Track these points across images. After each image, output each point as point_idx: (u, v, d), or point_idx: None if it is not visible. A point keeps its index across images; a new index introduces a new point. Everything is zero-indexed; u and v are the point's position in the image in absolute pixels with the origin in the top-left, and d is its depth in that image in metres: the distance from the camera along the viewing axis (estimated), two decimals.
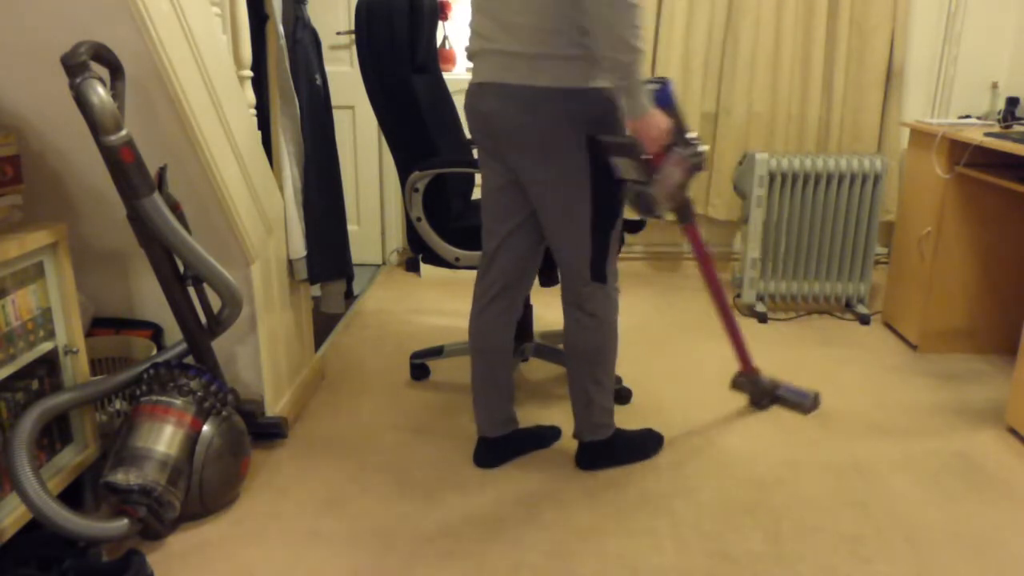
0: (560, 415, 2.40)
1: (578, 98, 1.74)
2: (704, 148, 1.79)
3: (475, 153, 2.78)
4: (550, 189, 1.83)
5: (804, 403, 2.41)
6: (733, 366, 2.77)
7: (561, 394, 2.55)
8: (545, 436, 2.23)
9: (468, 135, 2.76)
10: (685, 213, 2.01)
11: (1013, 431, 2.32)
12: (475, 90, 1.86)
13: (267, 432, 2.20)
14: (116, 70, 1.61)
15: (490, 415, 2.09)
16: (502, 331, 2.03)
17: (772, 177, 3.10)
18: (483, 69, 1.82)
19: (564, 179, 1.81)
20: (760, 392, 2.44)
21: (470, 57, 1.88)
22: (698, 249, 2.15)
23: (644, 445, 2.18)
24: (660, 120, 1.69)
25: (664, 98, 1.71)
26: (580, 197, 1.83)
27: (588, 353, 1.98)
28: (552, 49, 1.71)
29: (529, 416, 2.39)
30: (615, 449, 2.11)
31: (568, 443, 2.23)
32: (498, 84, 1.78)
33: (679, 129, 1.75)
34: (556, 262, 1.95)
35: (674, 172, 1.75)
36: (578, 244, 1.88)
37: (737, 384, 2.49)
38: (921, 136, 2.88)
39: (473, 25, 1.85)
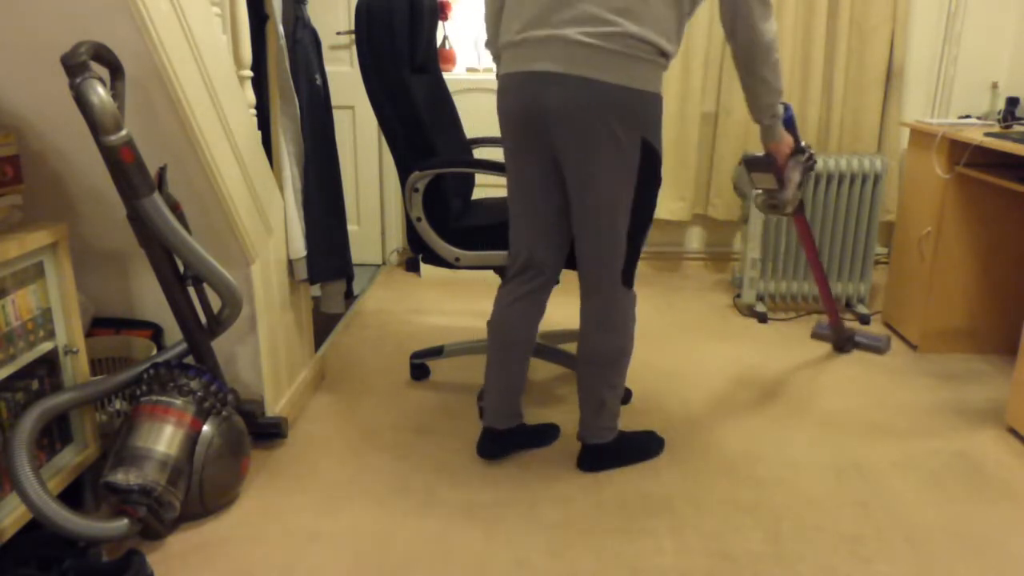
0: (560, 415, 2.40)
1: (645, 101, 1.76)
2: (813, 151, 2.23)
3: (475, 153, 2.78)
4: (599, 190, 1.82)
5: (879, 346, 2.85)
6: (733, 366, 2.77)
7: (561, 394, 2.55)
8: (547, 434, 2.24)
9: (480, 136, 2.77)
10: (800, 207, 2.49)
11: (1013, 431, 2.32)
12: (532, 79, 1.79)
13: (267, 432, 2.20)
14: (116, 70, 1.61)
15: (500, 407, 2.10)
16: (529, 325, 2.05)
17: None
18: (544, 57, 1.76)
19: (615, 181, 1.81)
20: (843, 339, 2.85)
21: (513, 44, 1.82)
22: (806, 239, 2.63)
23: (646, 447, 2.18)
24: (788, 139, 2.11)
25: (789, 121, 2.12)
26: (625, 201, 1.84)
27: (607, 357, 1.98)
28: (630, 48, 1.71)
29: (529, 415, 2.39)
30: (618, 451, 2.11)
31: (568, 443, 2.23)
32: (567, 75, 1.74)
33: (796, 140, 2.17)
34: (582, 264, 1.94)
35: (795, 175, 2.21)
36: (614, 248, 1.88)
37: (818, 334, 2.99)
38: (921, 136, 2.88)
39: (524, 11, 1.79)
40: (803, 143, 2.20)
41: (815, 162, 2.24)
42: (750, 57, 1.84)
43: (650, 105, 1.78)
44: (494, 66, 3.64)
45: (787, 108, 2.11)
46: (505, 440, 2.14)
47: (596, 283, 1.94)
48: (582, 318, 1.99)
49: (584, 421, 2.08)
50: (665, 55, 1.77)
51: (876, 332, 2.83)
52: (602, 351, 1.97)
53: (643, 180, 1.83)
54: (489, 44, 2.03)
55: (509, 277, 2.05)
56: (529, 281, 2.02)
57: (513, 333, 2.04)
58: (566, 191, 1.92)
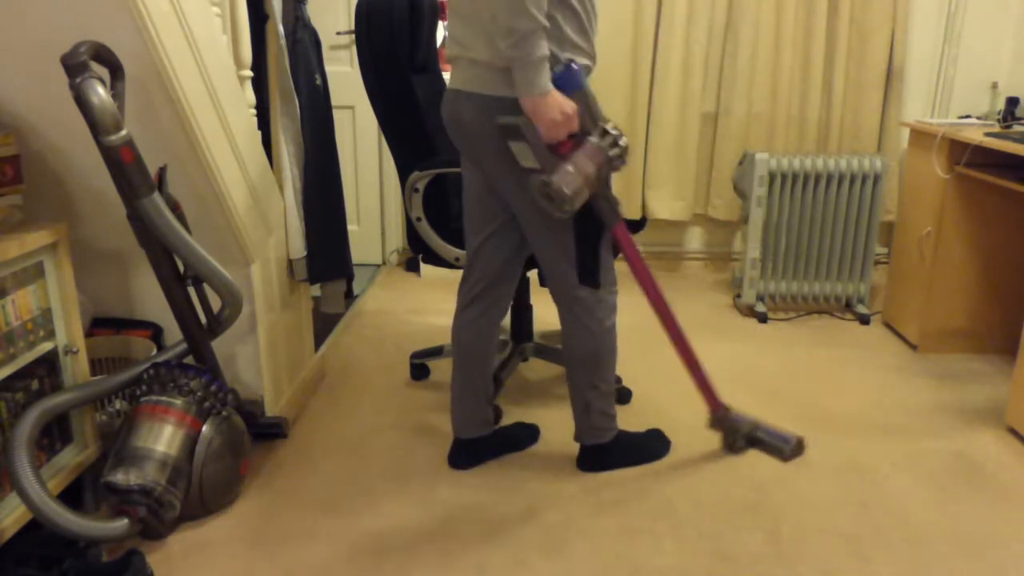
0: (559, 415, 2.40)
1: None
2: (625, 140, 1.61)
3: None
4: (525, 199, 1.82)
5: (784, 448, 2.13)
6: (733, 366, 2.77)
7: (561, 394, 2.55)
8: (521, 438, 2.22)
9: None
10: (607, 213, 1.76)
11: (1013, 431, 2.32)
12: (449, 95, 1.85)
13: (267, 432, 2.20)
14: (116, 70, 1.61)
15: (464, 416, 2.09)
16: (480, 333, 2.02)
17: (772, 177, 3.10)
18: (456, 75, 1.81)
19: (525, 188, 1.80)
20: (733, 433, 2.18)
21: (448, 62, 1.86)
22: (630, 255, 1.91)
23: (649, 447, 2.17)
24: (560, 102, 1.57)
25: (568, 81, 1.56)
26: None
27: (584, 358, 1.96)
28: (503, 58, 1.66)
29: (529, 416, 2.39)
30: (616, 452, 2.11)
31: (568, 443, 2.23)
32: (469, 92, 1.77)
33: (593, 116, 1.60)
34: (541, 271, 1.94)
35: (585, 164, 1.58)
36: (560, 249, 1.85)
37: (712, 424, 2.21)
38: (921, 136, 2.88)
39: (449, 29, 1.83)
40: (609, 125, 1.63)
41: (623, 151, 1.64)
42: None
43: None
44: None
45: (569, 66, 1.62)
46: (475, 449, 2.13)
47: (556, 288, 1.92)
48: (560, 320, 1.98)
49: (576, 421, 2.08)
50: (564, 48, 1.65)
51: (786, 432, 2.19)
52: (577, 352, 1.96)
53: None
54: None
55: (462, 280, 2.03)
56: (473, 288, 2.00)
57: (469, 347, 2.03)
58: (506, 203, 1.91)
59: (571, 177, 1.57)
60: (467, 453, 2.12)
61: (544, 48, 1.54)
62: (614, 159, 1.61)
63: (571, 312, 1.93)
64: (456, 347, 2.04)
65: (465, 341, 2.02)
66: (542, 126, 1.60)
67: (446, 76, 2.97)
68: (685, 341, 2.06)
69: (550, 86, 1.57)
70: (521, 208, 1.85)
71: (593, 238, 1.84)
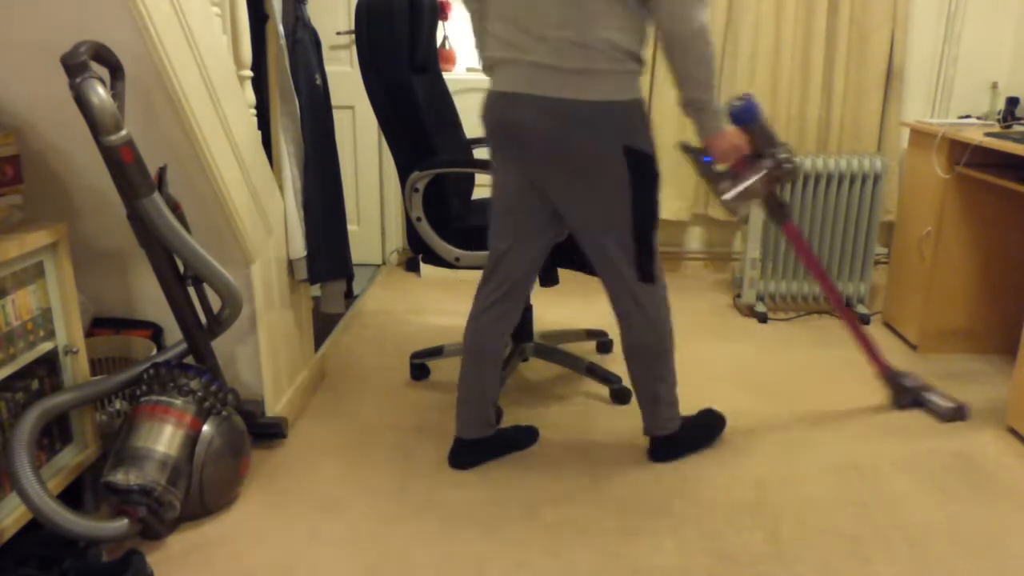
0: (559, 415, 2.40)
1: (616, 110, 1.77)
2: (792, 164, 1.92)
3: (475, 153, 2.78)
4: (589, 202, 1.84)
5: (945, 411, 2.37)
6: (733, 366, 2.77)
7: (561, 394, 2.55)
8: (521, 440, 2.22)
9: (480, 136, 2.76)
10: (776, 214, 2.13)
11: (1013, 431, 2.32)
12: (501, 99, 1.84)
13: (267, 432, 2.20)
14: (116, 70, 1.61)
15: (469, 417, 2.10)
16: (497, 336, 2.03)
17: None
18: (512, 79, 1.80)
19: (604, 191, 1.83)
20: (901, 391, 2.44)
21: (492, 64, 1.86)
22: (800, 250, 2.25)
23: (709, 426, 2.23)
24: (731, 138, 1.84)
25: (745, 116, 1.88)
26: (621, 206, 1.86)
27: (648, 352, 2.00)
28: (589, 64, 1.73)
29: (529, 416, 2.39)
30: (685, 438, 2.15)
31: (567, 443, 2.24)
32: (532, 96, 1.77)
33: (768, 142, 1.91)
34: (597, 269, 1.96)
35: (752, 180, 1.92)
36: (622, 249, 1.90)
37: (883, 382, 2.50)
38: (921, 136, 2.88)
39: (496, 31, 1.83)
40: (775, 149, 1.92)
41: (787, 171, 1.92)
42: (670, 46, 1.72)
43: (624, 112, 1.78)
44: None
45: (746, 100, 1.90)
46: (476, 449, 2.13)
47: (614, 287, 1.96)
48: (616, 319, 2.01)
49: (644, 416, 2.11)
50: (634, 58, 1.77)
51: (950, 394, 2.43)
52: (641, 348, 2.00)
53: (637, 183, 1.84)
54: (479, 60, 2.05)
55: (483, 282, 2.04)
56: (498, 289, 2.01)
57: (482, 343, 2.03)
58: (545, 203, 1.93)
59: (737, 192, 1.94)
60: (468, 453, 2.12)
61: (717, 97, 1.81)
62: (778, 175, 1.93)
63: (631, 309, 1.96)
64: (471, 349, 2.04)
65: (481, 344, 2.03)
66: (716, 155, 1.87)
67: (446, 76, 2.98)
68: (850, 315, 2.39)
69: (722, 126, 1.84)
70: (579, 212, 1.87)
71: (648, 235, 1.91)
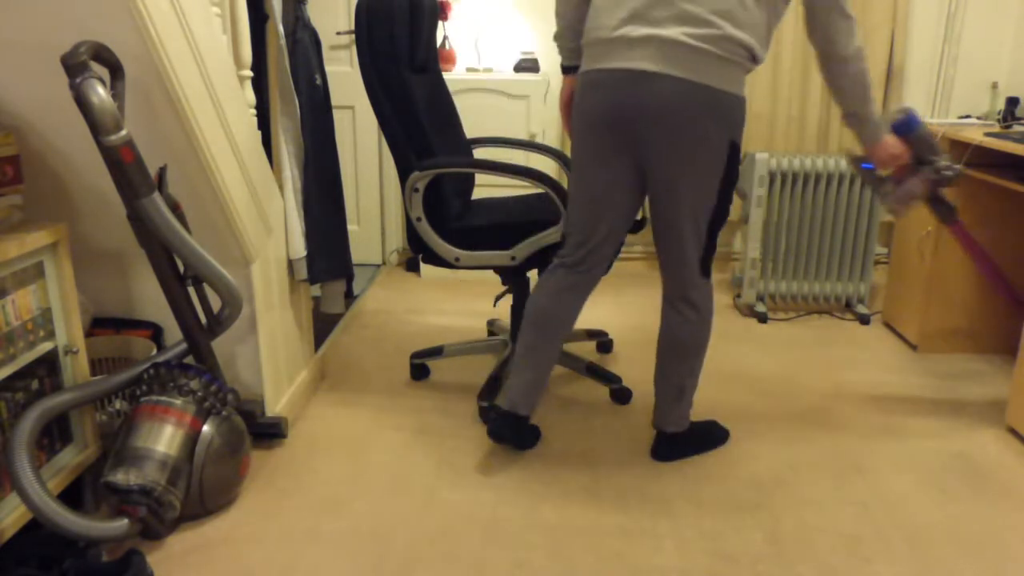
0: (559, 414, 2.40)
1: (736, 103, 1.83)
2: (947, 167, 2.06)
3: (475, 153, 2.78)
4: (690, 185, 1.87)
5: None
6: (733, 366, 2.77)
7: (561, 394, 2.55)
8: (535, 436, 2.26)
9: (480, 136, 2.76)
10: (942, 216, 2.25)
11: (1013, 431, 2.32)
12: (628, 77, 1.80)
13: (267, 432, 2.20)
14: (116, 70, 1.61)
15: (528, 392, 2.10)
16: (573, 317, 2.09)
17: (772, 177, 3.10)
18: (642, 56, 1.78)
19: (705, 177, 1.87)
20: None
21: (606, 41, 1.83)
22: (970, 249, 2.43)
23: (713, 434, 2.25)
24: (890, 147, 1.99)
25: (904, 127, 2.02)
26: (710, 197, 1.90)
27: (690, 346, 2.04)
28: (726, 52, 1.76)
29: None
30: (691, 440, 2.17)
31: (565, 444, 2.24)
32: (665, 75, 1.77)
33: (931, 151, 2.04)
34: (665, 258, 2.00)
35: (914, 186, 2.07)
36: (696, 240, 1.94)
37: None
38: None
39: (618, 6, 1.81)
40: (936, 157, 2.07)
41: (946, 177, 2.07)
42: (827, 67, 1.89)
43: (738, 108, 1.84)
44: (494, 66, 3.65)
45: (908, 113, 2.05)
46: (520, 427, 2.14)
47: (678, 276, 1.99)
48: (665, 308, 2.05)
49: (661, 409, 2.12)
50: (755, 59, 1.83)
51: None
52: (685, 342, 2.03)
53: (727, 179, 1.90)
54: (562, 35, 2.05)
55: (563, 265, 2.06)
56: (583, 273, 2.05)
57: (556, 323, 2.06)
58: (640, 191, 1.97)
59: (899, 197, 2.10)
60: (513, 429, 2.13)
61: (876, 110, 1.96)
62: (937, 181, 2.07)
63: (686, 301, 2.01)
64: (540, 328, 2.06)
65: (555, 324, 2.07)
66: (876, 162, 2.04)
67: (446, 76, 2.98)
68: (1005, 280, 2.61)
69: (881, 136, 1.98)
70: (676, 197, 1.89)
71: (718, 230, 1.97)
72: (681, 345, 2.04)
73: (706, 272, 2.00)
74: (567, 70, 2.12)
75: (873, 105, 1.94)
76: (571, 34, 2.04)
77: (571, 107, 2.04)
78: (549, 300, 2.06)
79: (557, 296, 2.05)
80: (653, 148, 1.85)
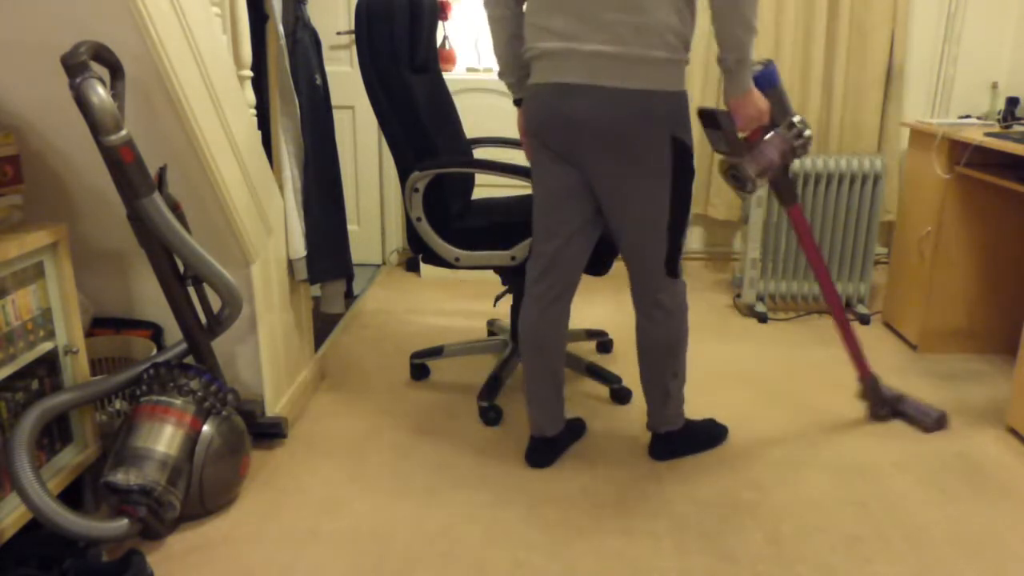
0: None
1: (669, 100, 1.78)
2: (808, 132, 1.85)
3: (475, 153, 2.78)
4: (634, 191, 1.85)
5: (926, 421, 2.30)
6: (733, 366, 2.77)
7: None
8: (580, 430, 2.28)
9: (480, 136, 2.76)
10: (785, 194, 2.05)
11: (1013, 431, 2.32)
12: (557, 91, 1.82)
13: (267, 432, 2.20)
14: (116, 70, 1.61)
15: (549, 413, 2.10)
16: (561, 330, 2.06)
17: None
18: (569, 69, 1.79)
19: (650, 180, 1.85)
20: (879, 401, 2.35)
21: (539, 55, 1.84)
22: (802, 234, 2.17)
23: (711, 432, 2.24)
24: (758, 100, 1.82)
25: (767, 79, 1.82)
26: (662, 197, 1.87)
27: (666, 347, 2.02)
28: (648, 51, 1.73)
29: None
30: (688, 438, 2.17)
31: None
32: (590, 86, 1.77)
33: (784, 111, 1.84)
34: (628, 262, 1.98)
35: (770, 151, 1.85)
36: (656, 242, 1.92)
37: (862, 394, 2.40)
38: (921, 136, 2.88)
39: (543, 22, 1.81)
40: (795, 117, 1.89)
41: (806, 142, 1.88)
42: (721, 3, 1.73)
43: (675, 103, 1.80)
44: (494, 66, 3.64)
45: (768, 64, 1.89)
46: (557, 444, 2.15)
47: (643, 279, 1.98)
48: (636, 312, 2.03)
49: (652, 411, 2.12)
50: (682, 46, 1.78)
51: (928, 402, 2.41)
52: (660, 343, 2.02)
53: (677, 176, 1.86)
54: (504, 72, 2.03)
55: (533, 283, 2.04)
56: (554, 286, 2.02)
57: (548, 341, 2.04)
58: (593, 198, 1.94)
59: (757, 162, 1.87)
60: (551, 450, 2.14)
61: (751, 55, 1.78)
62: (797, 148, 1.86)
63: (657, 304, 1.99)
64: (541, 346, 2.04)
65: (552, 339, 2.04)
66: (740, 120, 1.84)
67: (446, 76, 2.98)
68: (843, 314, 2.28)
69: (752, 85, 1.80)
70: (630, 204, 1.87)
71: (680, 229, 1.93)
72: (656, 348, 2.02)
73: (673, 272, 1.97)
74: (518, 103, 2.08)
75: (750, 50, 1.77)
76: (511, 70, 2.02)
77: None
78: (534, 325, 2.04)
79: (542, 318, 2.03)
80: (589, 158, 1.85)
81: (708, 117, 1.91)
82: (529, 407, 2.11)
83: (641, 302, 2.01)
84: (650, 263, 1.95)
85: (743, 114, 1.84)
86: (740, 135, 1.90)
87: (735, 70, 1.79)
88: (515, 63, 1.99)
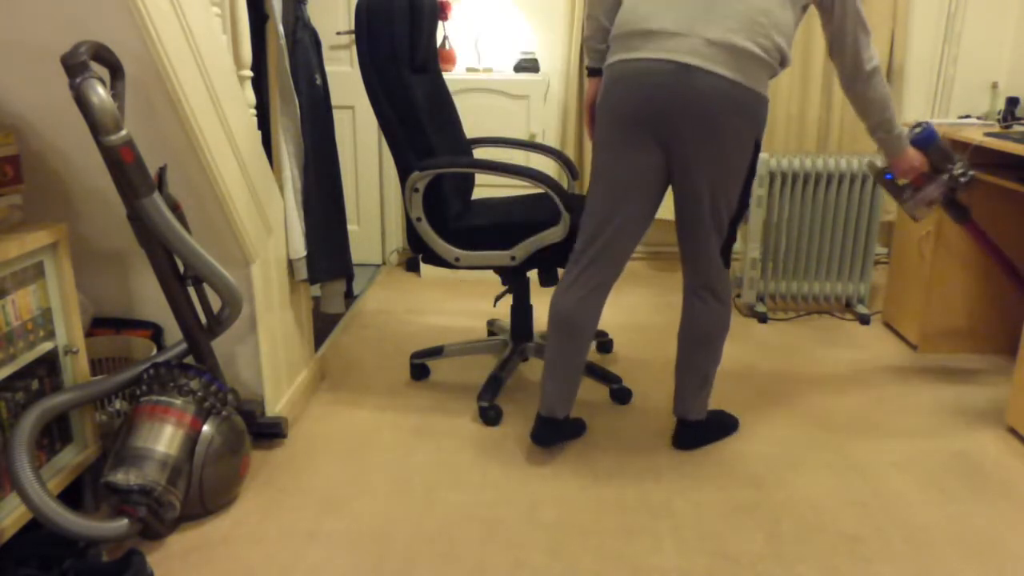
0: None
1: (764, 104, 1.88)
2: (962, 173, 2.20)
3: (475, 153, 2.78)
4: (718, 181, 1.91)
5: None
6: (733, 366, 2.77)
7: None
8: (580, 429, 2.30)
9: (480, 136, 2.76)
10: (956, 217, 2.42)
11: (1013, 431, 2.32)
12: (670, 68, 1.81)
13: (267, 432, 2.20)
14: (116, 70, 1.61)
15: (563, 395, 2.12)
16: (597, 317, 2.08)
17: (772, 177, 3.10)
18: (686, 49, 1.79)
19: (733, 174, 1.92)
20: None
21: (646, 34, 1.83)
22: (984, 247, 2.56)
23: (725, 422, 2.30)
24: (911, 159, 2.12)
25: (922, 141, 2.16)
26: (736, 191, 1.95)
27: (713, 334, 2.09)
28: (764, 53, 1.80)
29: (530, 417, 2.39)
30: (711, 427, 2.23)
31: (566, 443, 2.23)
32: (706, 71, 1.79)
33: (944, 159, 2.19)
34: (690, 250, 2.03)
35: (932, 192, 2.22)
36: (720, 232, 2.00)
37: None
38: None
39: (659, 4, 1.84)
40: (952, 165, 2.20)
41: (962, 184, 2.21)
42: (852, 79, 1.94)
43: (765, 108, 1.90)
44: (494, 66, 3.64)
45: (926, 128, 2.17)
46: (561, 428, 2.16)
47: (701, 265, 2.04)
48: (689, 299, 2.09)
49: (685, 399, 2.16)
50: (784, 61, 1.87)
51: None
52: (708, 330, 2.08)
53: (750, 175, 1.96)
54: (593, 36, 2.05)
55: (580, 268, 2.04)
56: (600, 273, 2.03)
57: (581, 326, 2.06)
58: (662, 188, 1.98)
59: (918, 203, 2.26)
60: (555, 432, 2.16)
61: (898, 123, 2.06)
62: (951, 188, 2.23)
63: (712, 292, 2.06)
64: (567, 332, 2.06)
65: (587, 324, 2.06)
66: (899, 174, 2.18)
67: (446, 76, 2.99)
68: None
69: (906, 147, 2.11)
70: (702, 190, 1.92)
71: (738, 223, 2.03)
72: (707, 334, 2.08)
73: (727, 262, 2.06)
74: (594, 72, 2.10)
75: (895, 116, 2.02)
76: (602, 35, 2.04)
77: (595, 108, 2.06)
78: (573, 306, 2.04)
79: (580, 303, 2.04)
80: (685, 142, 1.86)
81: (874, 170, 2.36)
82: (545, 384, 2.11)
83: (697, 288, 2.07)
84: (712, 251, 2.01)
85: (899, 171, 2.15)
86: (902, 181, 2.26)
87: (883, 141, 2.06)
88: (609, 29, 2.02)
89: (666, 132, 1.87)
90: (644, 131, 1.89)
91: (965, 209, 2.40)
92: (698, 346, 2.10)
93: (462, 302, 3.43)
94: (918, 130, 2.20)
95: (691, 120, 1.83)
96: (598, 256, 2.01)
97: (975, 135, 2.55)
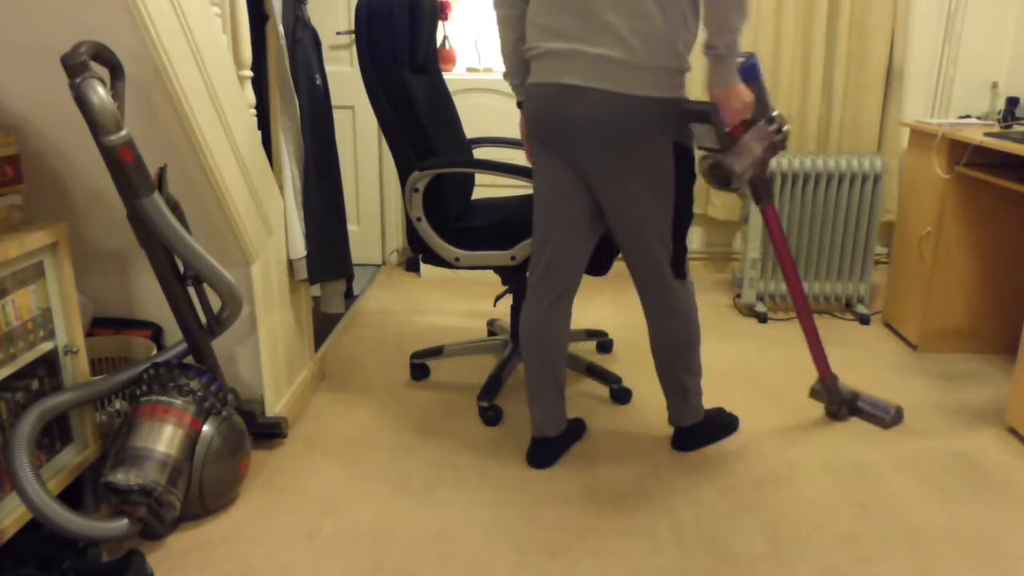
0: None
1: (671, 107, 1.79)
2: (787, 128, 1.86)
3: (475, 153, 2.78)
4: (637, 197, 1.86)
5: (884, 418, 2.32)
6: (733, 366, 2.77)
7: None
8: (580, 430, 2.28)
9: (480, 136, 2.76)
10: (762, 192, 2.06)
11: (1013, 431, 2.32)
12: (556, 91, 1.82)
13: (267, 432, 2.20)
14: (116, 70, 1.61)
15: (550, 414, 2.11)
16: (563, 332, 2.06)
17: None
18: (572, 70, 1.78)
19: (653, 187, 1.85)
20: (837, 401, 2.36)
21: (540, 56, 1.84)
22: (775, 233, 2.18)
23: (724, 421, 2.29)
24: (743, 93, 1.78)
25: (750, 72, 1.81)
26: (666, 203, 1.88)
27: (678, 346, 2.05)
28: (654, 59, 1.74)
29: (528, 416, 2.39)
30: (708, 428, 2.22)
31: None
32: (592, 89, 1.76)
33: (763, 105, 1.83)
34: (633, 267, 1.99)
35: (754, 146, 1.83)
36: (662, 246, 1.94)
37: (815, 393, 2.49)
38: (921, 136, 2.88)
39: (548, 23, 1.81)
40: (775, 112, 1.89)
41: (785, 137, 1.87)
42: None
43: (672, 109, 1.81)
44: (494, 66, 3.65)
45: (751, 57, 1.87)
46: (558, 444, 2.15)
47: (649, 281, 1.99)
48: (645, 314, 2.05)
49: (673, 408, 2.16)
50: (687, 53, 1.79)
51: (883, 399, 2.37)
52: (671, 342, 2.05)
53: (681, 180, 1.88)
54: (510, 73, 2.04)
55: (534, 285, 2.04)
56: (554, 287, 2.02)
57: (550, 343, 2.05)
58: (593, 199, 1.94)
59: (741, 157, 1.83)
60: (552, 450, 2.14)
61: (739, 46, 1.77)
62: (777, 143, 1.86)
63: (665, 303, 2.01)
64: (541, 348, 2.04)
65: (554, 341, 2.05)
66: (727, 113, 1.79)
67: (446, 76, 2.98)
68: (809, 314, 2.27)
69: (738, 78, 1.78)
70: (626, 207, 1.88)
71: (684, 232, 1.95)
72: (668, 348, 2.06)
73: (680, 274, 1.99)
74: (520, 105, 2.07)
75: (739, 38, 1.73)
76: (517, 71, 2.02)
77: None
78: (536, 327, 2.04)
79: (543, 320, 2.03)
80: (588, 161, 1.85)
81: (694, 113, 1.84)
82: (531, 407, 2.11)
83: (649, 305, 2.02)
84: (656, 266, 1.96)
85: (729, 107, 1.78)
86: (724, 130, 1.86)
87: (725, 57, 1.74)
88: (522, 64, 1.99)
89: (570, 152, 1.86)
90: (553, 152, 1.90)
91: (769, 184, 2.04)
92: (666, 360, 2.08)
93: (462, 302, 3.43)
94: (742, 59, 1.84)
95: (585, 139, 1.81)
96: (549, 268, 2.01)
97: (975, 135, 2.55)
